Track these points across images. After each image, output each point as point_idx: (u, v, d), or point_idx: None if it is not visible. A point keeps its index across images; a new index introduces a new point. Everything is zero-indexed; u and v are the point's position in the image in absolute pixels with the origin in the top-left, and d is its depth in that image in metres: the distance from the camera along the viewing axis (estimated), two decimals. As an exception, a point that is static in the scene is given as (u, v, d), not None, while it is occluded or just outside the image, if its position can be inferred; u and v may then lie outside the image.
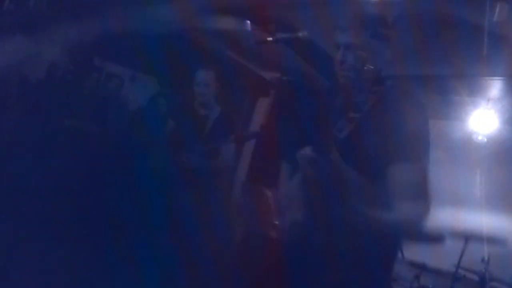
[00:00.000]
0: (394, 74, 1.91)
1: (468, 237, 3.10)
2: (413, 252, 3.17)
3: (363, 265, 1.55)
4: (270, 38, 1.92)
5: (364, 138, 1.57)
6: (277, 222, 1.87)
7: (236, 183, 3.37)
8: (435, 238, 3.21)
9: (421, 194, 1.57)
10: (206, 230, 2.50)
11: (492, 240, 3.01)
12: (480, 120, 3.06)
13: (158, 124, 3.13)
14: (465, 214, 3.15)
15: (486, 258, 2.97)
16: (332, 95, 1.78)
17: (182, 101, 3.12)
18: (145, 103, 3.58)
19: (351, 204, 1.51)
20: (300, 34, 1.89)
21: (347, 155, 1.56)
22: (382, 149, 1.53)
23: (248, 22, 2.66)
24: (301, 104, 1.97)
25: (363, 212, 1.50)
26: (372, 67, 1.70)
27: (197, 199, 2.61)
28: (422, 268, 3.18)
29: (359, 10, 1.81)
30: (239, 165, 3.51)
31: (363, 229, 1.50)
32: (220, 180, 2.95)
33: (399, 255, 3.18)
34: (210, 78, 2.92)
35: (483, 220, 3.05)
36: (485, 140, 3.08)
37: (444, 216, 3.16)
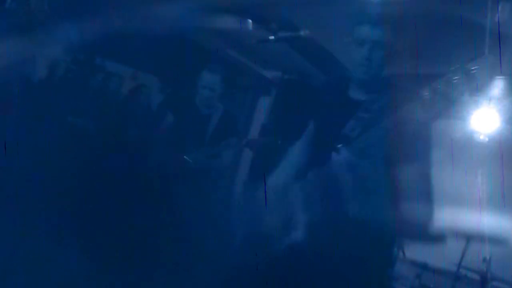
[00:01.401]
0: (396, 73, 1.90)
1: (469, 237, 3.10)
2: (414, 251, 3.17)
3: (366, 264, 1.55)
4: (272, 37, 1.93)
5: (373, 138, 1.55)
6: (277, 222, 1.87)
7: (239, 183, 3.37)
8: (436, 237, 3.21)
9: (424, 193, 1.57)
10: (207, 229, 2.50)
11: (494, 239, 3.01)
12: (482, 120, 3.05)
13: (160, 123, 3.13)
14: (466, 214, 3.14)
15: (487, 258, 2.96)
16: (336, 91, 1.75)
17: (184, 100, 3.12)
18: (146, 103, 3.58)
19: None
20: (301, 32, 1.89)
21: (359, 154, 1.55)
22: (389, 148, 1.51)
23: (250, 20, 2.66)
24: (303, 102, 1.97)
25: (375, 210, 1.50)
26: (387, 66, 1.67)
27: (200, 198, 2.61)
28: (423, 267, 3.17)
29: (383, 6, 1.78)
30: (242, 164, 3.51)
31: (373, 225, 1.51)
32: (223, 180, 2.96)
33: (401, 254, 3.19)
34: (215, 82, 2.93)
35: (484, 219, 3.04)
36: (487, 139, 3.07)
37: (445, 216, 3.17)
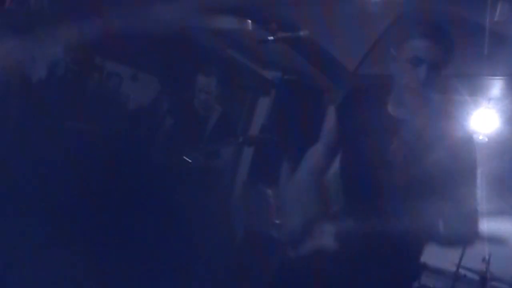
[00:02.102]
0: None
1: (468, 237, 3.09)
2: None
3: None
4: (271, 37, 1.91)
5: (418, 160, 1.45)
6: (278, 221, 1.87)
7: (238, 183, 3.38)
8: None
9: (473, 219, 1.52)
10: (208, 228, 2.50)
11: (493, 239, 3.01)
12: (481, 120, 3.05)
13: (159, 123, 3.13)
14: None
15: (486, 258, 2.96)
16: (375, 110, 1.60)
17: (183, 101, 3.12)
18: (146, 103, 3.58)
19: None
20: (301, 33, 1.88)
21: (405, 175, 1.46)
22: (433, 171, 1.42)
23: (249, 21, 2.65)
24: (302, 102, 1.94)
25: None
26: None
27: (199, 198, 2.61)
28: (422, 267, 3.17)
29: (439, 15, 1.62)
30: (241, 164, 3.51)
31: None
32: (222, 179, 2.96)
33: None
34: (211, 84, 2.93)
35: (484, 219, 3.04)
36: (486, 139, 3.07)
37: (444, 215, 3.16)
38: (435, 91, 1.54)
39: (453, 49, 1.51)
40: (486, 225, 2.98)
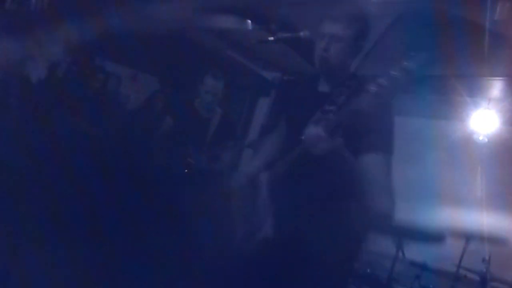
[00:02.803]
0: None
1: (468, 237, 3.10)
2: (414, 251, 3.17)
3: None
4: (271, 37, 1.92)
5: (335, 130, 1.58)
6: (277, 222, 1.87)
7: (238, 184, 3.37)
8: (436, 237, 3.21)
9: (384, 186, 1.60)
10: (208, 229, 2.50)
11: (493, 240, 3.01)
12: (481, 120, 3.06)
13: (159, 124, 3.13)
14: (466, 214, 3.15)
15: (487, 258, 2.96)
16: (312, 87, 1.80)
17: (183, 101, 3.12)
18: (146, 104, 3.58)
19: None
20: (301, 33, 1.89)
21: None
22: (350, 142, 1.56)
23: (249, 21, 2.66)
24: (302, 103, 1.95)
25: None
26: (350, 62, 1.73)
27: (201, 199, 2.61)
28: (423, 268, 3.18)
29: (352, 6, 1.81)
30: (241, 166, 3.52)
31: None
32: (223, 181, 2.95)
33: (399, 253, 3.18)
34: (219, 87, 2.94)
35: (483, 220, 3.05)
36: (486, 140, 3.07)
37: (444, 216, 3.17)
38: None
39: (357, 25, 1.71)
40: (487, 225, 3.01)
